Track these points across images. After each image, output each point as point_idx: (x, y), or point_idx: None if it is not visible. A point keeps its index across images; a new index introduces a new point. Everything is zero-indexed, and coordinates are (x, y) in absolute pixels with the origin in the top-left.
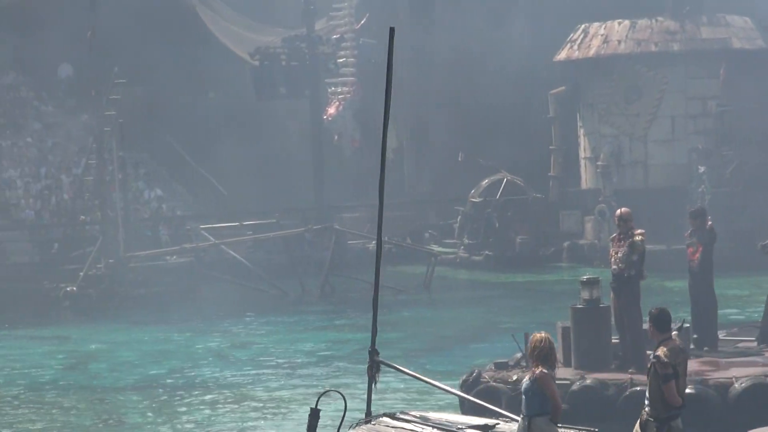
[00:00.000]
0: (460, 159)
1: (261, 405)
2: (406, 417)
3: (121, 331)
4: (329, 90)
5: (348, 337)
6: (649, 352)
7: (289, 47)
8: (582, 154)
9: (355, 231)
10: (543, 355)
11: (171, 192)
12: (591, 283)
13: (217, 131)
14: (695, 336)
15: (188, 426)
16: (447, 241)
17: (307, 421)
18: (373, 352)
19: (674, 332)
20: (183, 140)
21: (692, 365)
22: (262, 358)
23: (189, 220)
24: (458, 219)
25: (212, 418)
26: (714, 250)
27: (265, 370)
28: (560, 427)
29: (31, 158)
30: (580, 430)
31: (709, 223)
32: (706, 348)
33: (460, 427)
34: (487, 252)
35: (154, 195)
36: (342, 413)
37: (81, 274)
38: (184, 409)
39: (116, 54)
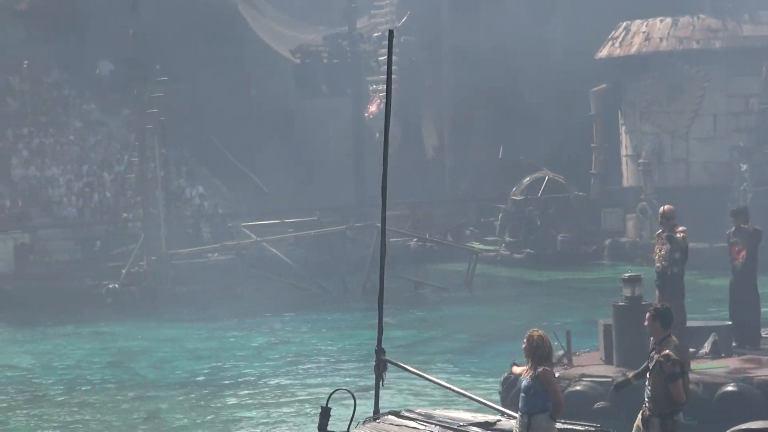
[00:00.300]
0: (500, 157)
1: (301, 401)
2: (411, 415)
3: (163, 328)
4: (370, 88)
5: (390, 335)
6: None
7: (330, 45)
8: (623, 152)
9: (395, 229)
10: (545, 353)
11: (212, 189)
12: (633, 281)
13: (258, 129)
14: (737, 334)
15: (228, 423)
16: (488, 238)
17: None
18: (380, 351)
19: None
20: (224, 138)
21: (734, 363)
22: (302, 356)
23: (230, 217)
24: (499, 217)
25: (251, 415)
26: (759, 249)
27: (306, 367)
28: (560, 423)
29: (73, 156)
30: (581, 426)
31: (751, 224)
32: (748, 346)
33: (461, 424)
34: (528, 250)
35: (196, 192)
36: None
37: (123, 271)
38: (224, 405)
39: (158, 52)
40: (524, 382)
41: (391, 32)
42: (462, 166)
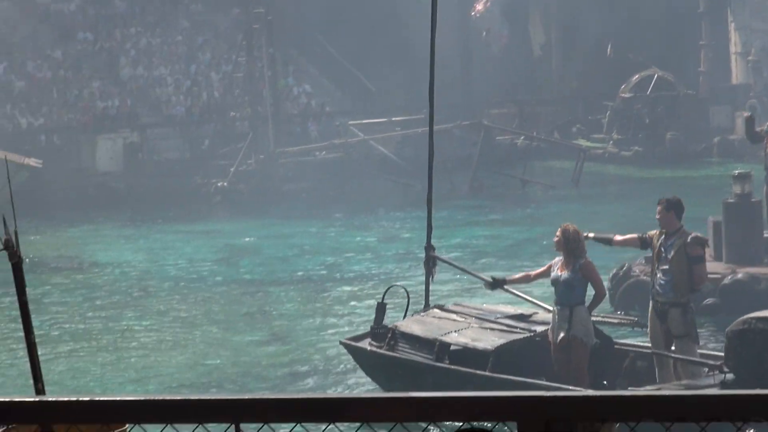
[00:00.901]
0: (609, 54)
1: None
2: (454, 308)
3: (270, 226)
4: None
5: (498, 232)
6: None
7: None
8: (732, 49)
9: (503, 127)
10: (581, 246)
11: (319, 88)
12: (743, 178)
13: (364, 28)
14: None
15: (335, 319)
16: (595, 136)
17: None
18: (429, 248)
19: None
20: (330, 36)
21: None
22: (408, 253)
23: (337, 115)
24: (607, 114)
25: (358, 311)
26: None
27: (411, 263)
28: (598, 316)
29: (180, 56)
30: (616, 319)
31: None
32: None
33: (498, 315)
34: (636, 147)
35: (303, 91)
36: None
37: (231, 169)
38: (331, 300)
39: None
40: (564, 276)
41: None
42: (569, 64)
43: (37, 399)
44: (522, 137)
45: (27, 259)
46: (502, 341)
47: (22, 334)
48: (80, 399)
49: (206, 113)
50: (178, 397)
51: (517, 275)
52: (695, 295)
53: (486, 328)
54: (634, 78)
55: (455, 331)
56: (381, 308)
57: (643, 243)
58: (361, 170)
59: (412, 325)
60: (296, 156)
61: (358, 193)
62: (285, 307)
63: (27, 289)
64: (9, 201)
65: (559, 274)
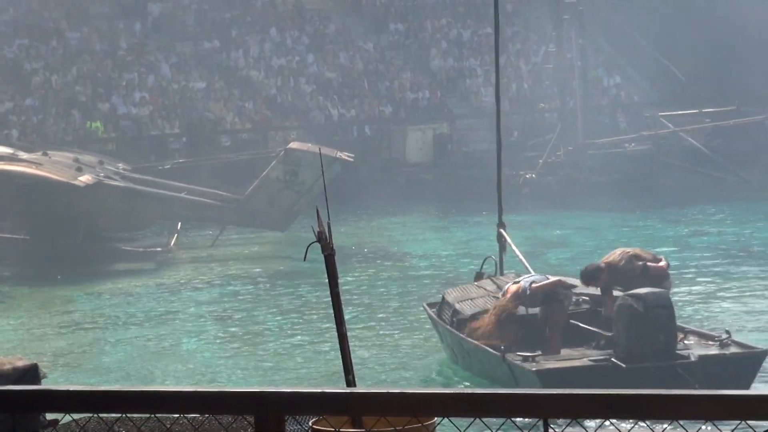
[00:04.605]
0: None
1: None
2: (498, 279)
3: (578, 217)
4: None
5: None
6: None
7: None
8: None
9: None
10: None
11: (628, 79)
12: None
13: (668, 14)
14: None
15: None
16: None
17: None
18: (500, 224)
19: None
20: (639, 25)
21: None
22: (722, 247)
23: (647, 107)
24: None
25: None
26: None
27: (725, 259)
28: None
29: (491, 47)
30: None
31: None
32: None
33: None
34: None
35: (613, 82)
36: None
37: (540, 161)
38: None
39: None
40: None
41: None
42: None
43: (347, 390)
44: None
45: (338, 251)
46: (477, 309)
47: (331, 325)
48: (390, 391)
49: (515, 104)
50: (490, 391)
51: None
52: None
53: (496, 297)
54: None
55: (471, 299)
56: (478, 276)
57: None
58: (670, 162)
59: (454, 292)
60: (605, 148)
61: (667, 185)
62: None
63: (339, 281)
64: (323, 193)
65: None
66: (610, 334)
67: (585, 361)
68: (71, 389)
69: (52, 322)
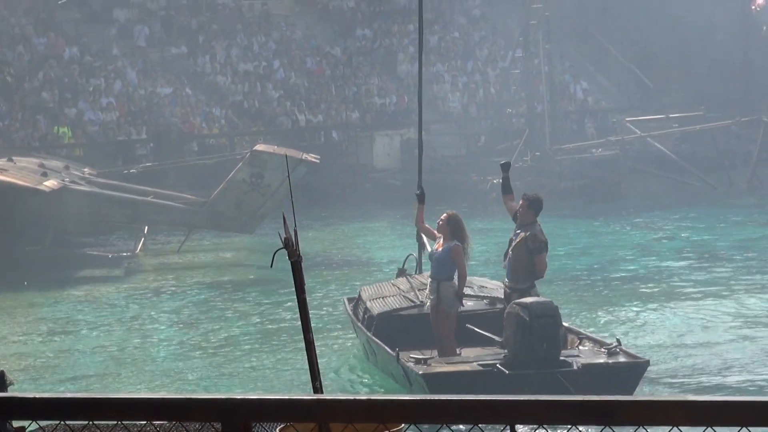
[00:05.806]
0: None
1: (685, 298)
2: (413, 277)
3: (546, 223)
4: None
5: None
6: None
7: None
8: None
9: None
10: (459, 228)
11: (596, 84)
12: None
13: (639, 22)
14: None
15: (610, 318)
16: None
17: None
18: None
19: None
20: (606, 31)
21: None
22: (686, 252)
23: (614, 112)
24: None
25: (639, 312)
26: None
27: (688, 263)
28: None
29: (457, 52)
30: (479, 297)
31: None
32: None
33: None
34: None
35: (580, 88)
36: None
37: None
38: (606, 301)
39: None
40: (438, 252)
41: None
42: None
43: (315, 397)
44: None
45: (305, 258)
46: (386, 309)
47: (297, 332)
48: (357, 398)
49: (483, 110)
50: (457, 398)
51: (422, 220)
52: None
53: (405, 297)
54: None
55: (382, 298)
56: (400, 273)
57: (514, 219)
58: (637, 167)
59: (369, 290)
60: (572, 153)
61: (633, 190)
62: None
63: (305, 287)
64: (289, 196)
65: (436, 250)
66: (501, 339)
67: (474, 366)
68: (38, 396)
69: (18, 329)
